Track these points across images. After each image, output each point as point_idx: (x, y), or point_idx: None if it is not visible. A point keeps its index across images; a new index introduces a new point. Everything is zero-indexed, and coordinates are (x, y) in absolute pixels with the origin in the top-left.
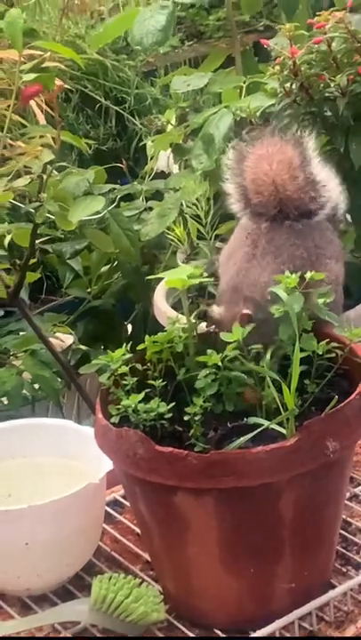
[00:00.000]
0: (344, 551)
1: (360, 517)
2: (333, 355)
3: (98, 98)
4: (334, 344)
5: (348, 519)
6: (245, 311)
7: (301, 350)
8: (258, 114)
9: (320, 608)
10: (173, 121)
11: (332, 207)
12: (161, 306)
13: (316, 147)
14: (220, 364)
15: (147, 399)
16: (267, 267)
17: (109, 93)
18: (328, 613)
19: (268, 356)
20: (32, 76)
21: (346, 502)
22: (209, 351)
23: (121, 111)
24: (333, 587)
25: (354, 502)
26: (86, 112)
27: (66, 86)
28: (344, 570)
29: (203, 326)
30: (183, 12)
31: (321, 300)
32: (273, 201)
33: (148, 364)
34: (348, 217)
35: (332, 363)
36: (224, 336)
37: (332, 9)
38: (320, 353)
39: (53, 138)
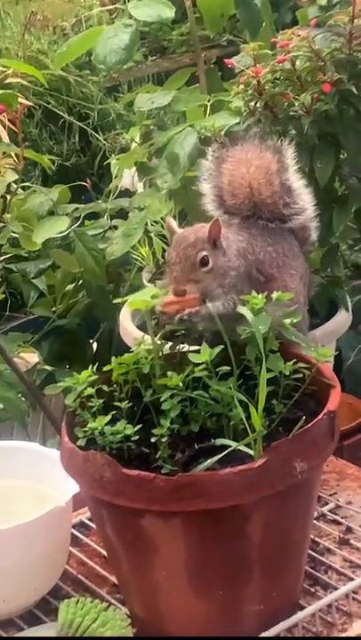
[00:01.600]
0: (312, 571)
1: (328, 537)
2: (301, 375)
3: (61, 114)
4: (301, 364)
5: (317, 539)
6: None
7: (268, 370)
8: (222, 132)
9: (289, 629)
10: (138, 139)
11: (305, 220)
12: (127, 326)
13: (294, 158)
14: (180, 385)
15: (113, 421)
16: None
17: (73, 109)
18: (297, 634)
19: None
20: None
21: (314, 522)
22: (169, 373)
23: (85, 127)
24: (302, 607)
25: (322, 522)
26: (50, 128)
27: (29, 103)
28: (313, 590)
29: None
30: (146, 28)
31: (288, 321)
32: (247, 204)
33: (115, 386)
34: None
35: (300, 382)
36: (192, 357)
37: (295, 26)
38: (287, 373)
39: (17, 155)
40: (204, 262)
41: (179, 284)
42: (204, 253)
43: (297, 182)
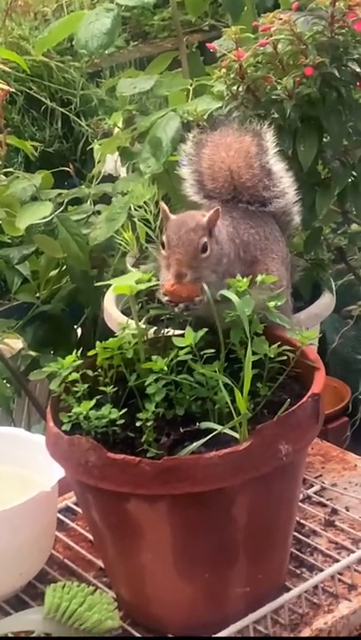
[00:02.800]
0: (298, 553)
1: (313, 519)
2: (285, 357)
3: (43, 99)
4: (286, 347)
5: (302, 521)
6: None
7: (253, 353)
8: (205, 116)
9: (275, 611)
10: (120, 124)
11: (287, 204)
12: (111, 311)
13: (274, 140)
14: (165, 368)
15: (98, 406)
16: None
17: (55, 95)
18: (283, 616)
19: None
20: None
21: (299, 504)
22: (154, 357)
23: (67, 113)
24: (288, 589)
25: (307, 504)
26: (32, 114)
27: (10, 89)
28: (298, 572)
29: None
30: (128, 13)
31: (272, 304)
32: (227, 187)
33: (99, 371)
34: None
35: (284, 365)
36: (176, 340)
37: (277, 10)
38: (272, 356)
39: None
40: (204, 248)
41: (181, 266)
42: (205, 240)
43: (277, 165)
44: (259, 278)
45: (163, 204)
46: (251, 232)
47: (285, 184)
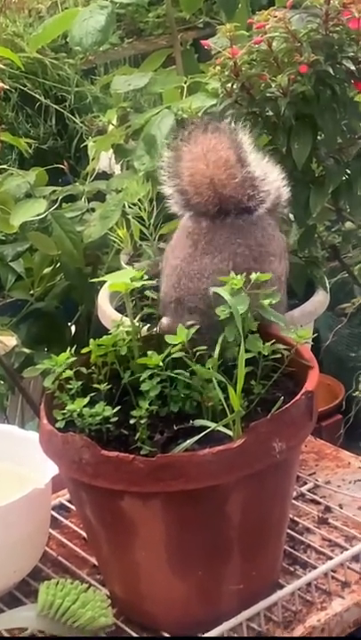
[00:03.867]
0: (292, 550)
1: (307, 517)
2: (279, 355)
3: (37, 96)
4: (280, 345)
5: (296, 518)
6: (190, 322)
7: (247, 351)
8: (199, 114)
9: (268, 608)
10: (115, 121)
11: (274, 200)
12: (105, 308)
13: (251, 139)
14: (161, 364)
15: (92, 403)
16: (205, 269)
17: (49, 92)
18: (276, 613)
19: (215, 356)
20: None
21: (293, 501)
22: (149, 353)
23: (61, 110)
24: (281, 587)
25: (301, 501)
26: (26, 111)
27: (5, 86)
28: (292, 569)
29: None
30: (122, 10)
31: (267, 302)
32: (212, 200)
33: (93, 368)
34: (291, 216)
35: (278, 363)
36: (168, 338)
37: (272, 8)
38: (266, 354)
39: None
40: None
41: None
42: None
43: (258, 168)
44: (253, 276)
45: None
46: (238, 252)
47: (269, 181)
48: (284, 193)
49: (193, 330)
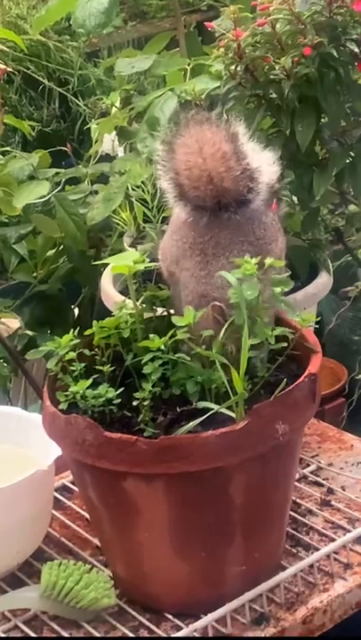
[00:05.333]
0: (294, 532)
1: (310, 498)
2: (285, 341)
3: (41, 79)
4: (285, 329)
5: (298, 500)
6: (216, 303)
7: (254, 337)
8: (203, 96)
9: (271, 590)
10: (118, 103)
11: (268, 187)
12: (108, 290)
13: (245, 130)
14: (163, 347)
15: (95, 385)
16: (223, 268)
17: (52, 75)
18: (279, 595)
19: (219, 340)
20: None
21: (295, 484)
22: (151, 335)
23: (64, 92)
24: (284, 568)
25: (303, 483)
26: (29, 94)
27: (8, 68)
28: (294, 551)
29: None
30: None
31: (278, 289)
32: (211, 194)
33: (96, 350)
34: (295, 198)
35: (282, 346)
36: (175, 320)
37: None
38: (272, 342)
39: None
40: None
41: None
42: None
43: (254, 158)
44: (267, 262)
45: None
46: (243, 249)
47: (265, 170)
48: (275, 176)
49: (200, 313)
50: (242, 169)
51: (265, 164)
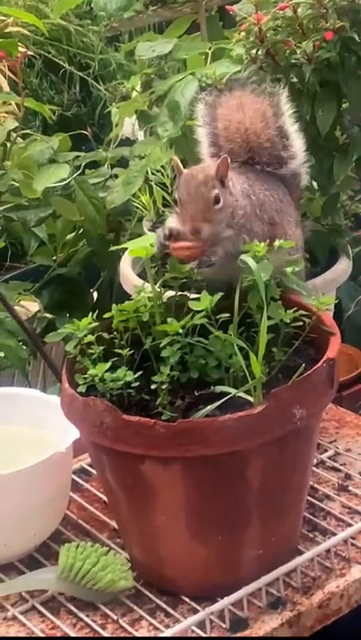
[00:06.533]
0: (311, 517)
1: (327, 484)
2: (301, 323)
3: (62, 63)
4: (302, 312)
5: (316, 485)
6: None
7: (269, 318)
8: (223, 80)
9: (287, 574)
10: (138, 87)
11: (297, 166)
12: (127, 274)
13: (289, 102)
14: (180, 331)
15: (113, 368)
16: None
17: (73, 59)
18: (295, 579)
19: (235, 322)
20: None
21: (313, 469)
22: (169, 319)
23: (85, 77)
24: (301, 553)
25: (321, 469)
26: (50, 78)
27: (29, 52)
28: (311, 536)
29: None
30: None
31: (290, 269)
32: (244, 148)
33: (115, 333)
34: (315, 184)
35: (300, 330)
36: (192, 304)
37: None
38: (288, 321)
39: (17, 105)
40: (216, 200)
41: (195, 221)
42: (216, 191)
43: (291, 127)
44: (277, 243)
45: (175, 159)
46: (266, 193)
47: (297, 147)
48: (305, 167)
49: (218, 296)
50: (278, 127)
51: (299, 141)
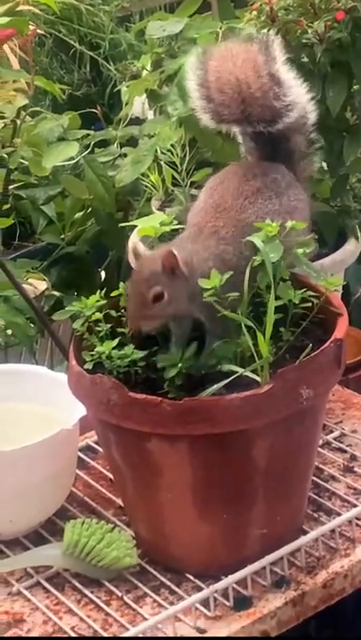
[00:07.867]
0: (316, 497)
1: (333, 464)
2: (309, 303)
3: (72, 43)
4: (310, 293)
5: (321, 466)
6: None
7: (277, 298)
8: None
9: (292, 553)
10: (149, 67)
11: (300, 115)
12: (139, 247)
13: (282, 49)
14: None
15: (121, 346)
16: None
17: (84, 38)
18: (299, 559)
19: (244, 302)
20: (5, 19)
21: (319, 449)
22: None
23: (95, 56)
24: (306, 532)
25: (326, 449)
26: (60, 57)
27: (40, 31)
28: (316, 516)
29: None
30: None
31: (300, 251)
32: (236, 99)
33: (123, 311)
34: (325, 165)
35: (308, 311)
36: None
37: None
38: (296, 302)
39: (27, 83)
40: (157, 298)
41: (134, 320)
42: (157, 289)
43: (286, 74)
44: (288, 224)
45: (136, 244)
46: (269, 207)
47: (296, 94)
48: (312, 116)
49: (227, 275)
50: (270, 75)
51: (299, 89)
